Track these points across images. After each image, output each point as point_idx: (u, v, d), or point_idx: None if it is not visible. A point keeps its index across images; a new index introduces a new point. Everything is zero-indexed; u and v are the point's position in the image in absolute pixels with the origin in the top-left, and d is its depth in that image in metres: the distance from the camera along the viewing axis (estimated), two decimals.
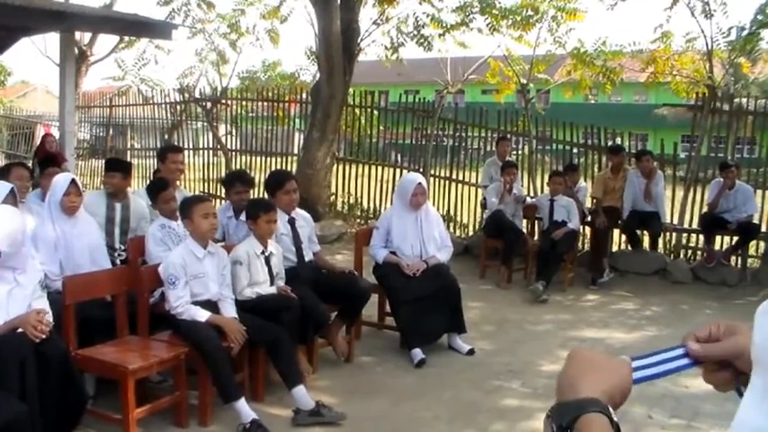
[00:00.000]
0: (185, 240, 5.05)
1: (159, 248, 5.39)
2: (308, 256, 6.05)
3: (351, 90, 12.65)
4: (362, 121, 13.54)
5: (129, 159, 16.46)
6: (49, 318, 4.00)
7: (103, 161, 9.88)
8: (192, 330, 4.73)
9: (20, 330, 3.84)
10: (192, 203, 5.02)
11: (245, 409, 4.60)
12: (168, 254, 5.16)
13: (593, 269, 9.30)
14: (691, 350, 1.15)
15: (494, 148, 11.11)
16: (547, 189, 9.54)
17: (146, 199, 6.12)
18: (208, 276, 4.96)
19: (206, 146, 16.05)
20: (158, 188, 5.86)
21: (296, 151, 13.89)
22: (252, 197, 6.53)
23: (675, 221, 10.43)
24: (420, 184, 6.54)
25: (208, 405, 4.75)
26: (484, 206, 10.03)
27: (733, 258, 9.57)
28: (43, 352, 3.84)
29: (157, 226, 5.55)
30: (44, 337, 3.84)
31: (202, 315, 4.79)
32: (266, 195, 6.21)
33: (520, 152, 12.60)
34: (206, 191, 14.35)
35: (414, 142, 12.95)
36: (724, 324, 1.19)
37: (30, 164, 11.41)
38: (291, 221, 5.99)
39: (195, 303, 4.85)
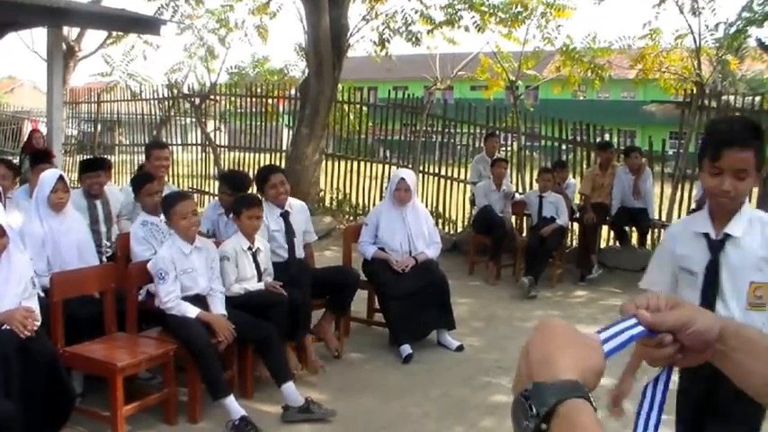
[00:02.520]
0: (172, 237, 5.04)
1: (142, 247, 5.36)
2: (299, 252, 6.05)
3: (340, 86, 12.62)
4: (351, 118, 13.53)
5: (117, 155, 16.46)
6: (38, 315, 3.98)
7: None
8: (182, 327, 4.72)
9: (5, 327, 3.82)
10: (170, 205, 5.00)
11: (234, 406, 4.59)
12: (151, 252, 5.19)
13: (582, 265, 9.32)
14: (643, 319, 1.16)
15: (482, 145, 11.13)
16: (535, 185, 9.56)
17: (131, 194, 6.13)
18: (196, 271, 4.95)
19: (194, 142, 16.00)
20: (142, 181, 5.86)
21: (284, 147, 13.86)
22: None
23: (664, 218, 10.47)
24: (403, 179, 6.52)
25: (197, 402, 4.74)
26: (473, 202, 10.04)
27: None
28: (30, 350, 3.81)
29: (139, 224, 5.51)
30: (28, 334, 3.81)
31: (192, 312, 4.78)
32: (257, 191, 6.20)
33: (508, 149, 12.62)
34: (194, 187, 14.32)
35: (402, 138, 12.95)
36: (664, 297, 1.20)
37: (17, 160, 11.36)
38: (285, 215, 5.98)
39: (185, 298, 4.85)
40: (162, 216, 5.49)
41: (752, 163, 2.57)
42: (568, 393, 0.92)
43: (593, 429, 0.90)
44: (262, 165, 13.10)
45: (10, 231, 4.08)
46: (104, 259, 5.86)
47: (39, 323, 3.96)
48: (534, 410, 0.92)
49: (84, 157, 15.04)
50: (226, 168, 13.30)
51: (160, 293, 4.82)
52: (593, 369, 1.00)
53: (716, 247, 2.78)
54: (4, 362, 3.70)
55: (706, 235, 2.80)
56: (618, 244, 10.13)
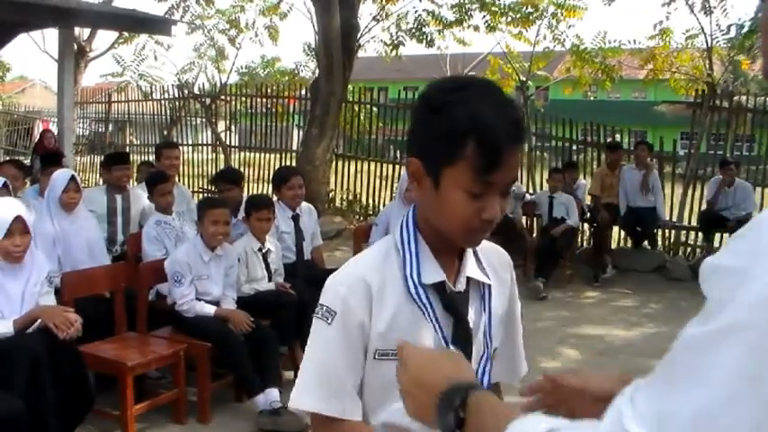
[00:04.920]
0: (194, 240, 5.04)
1: (154, 247, 5.40)
2: (307, 255, 6.05)
3: (350, 86, 12.63)
4: (361, 118, 13.53)
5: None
6: (80, 320, 3.94)
7: (103, 157, 9.93)
8: (206, 327, 4.73)
9: (33, 328, 3.81)
10: (205, 207, 5.02)
11: (263, 401, 4.60)
12: (163, 252, 5.22)
13: (596, 266, 9.29)
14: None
15: None
16: (546, 186, 9.54)
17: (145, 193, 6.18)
18: (211, 278, 4.94)
19: (205, 142, 16.04)
20: (156, 180, 5.88)
21: (295, 147, 13.88)
22: (243, 193, 6.56)
23: (674, 219, 10.43)
24: None
25: (206, 402, 4.74)
26: None
27: None
28: (57, 351, 3.80)
29: (152, 224, 5.55)
30: (72, 333, 3.81)
31: (209, 309, 4.80)
32: (272, 190, 6.22)
33: None
34: (204, 187, 14.34)
35: None
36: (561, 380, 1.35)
37: (28, 160, 11.40)
38: (295, 218, 5.99)
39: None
40: (173, 215, 5.59)
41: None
42: (468, 389, 1.14)
43: (501, 407, 1.13)
44: (272, 165, 13.22)
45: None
46: (118, 249, 5.91)
47: (80, 329, 3.93)
48: (454, 410, 1.12)
49: (97, 156, 15.11)
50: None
51: (175, 296, 4.83)
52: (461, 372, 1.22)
53: (456, 303, 1.58)
54: (34, 364, 3.69)
55: (437, 286, 1.55)
56: (628, 244, 10.10)
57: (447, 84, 1.49)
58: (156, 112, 16.55)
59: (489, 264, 1.67)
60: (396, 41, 13.26)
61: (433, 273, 1.55)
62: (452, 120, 1.39)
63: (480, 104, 1.39)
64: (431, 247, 1.56)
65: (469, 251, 1.63)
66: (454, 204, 1.46)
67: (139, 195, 6.37)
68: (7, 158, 10.60)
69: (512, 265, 1.79)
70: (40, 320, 3.82)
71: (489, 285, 1.64)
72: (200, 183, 14.73)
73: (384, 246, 1.63)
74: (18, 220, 3.89)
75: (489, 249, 1.72)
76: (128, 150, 16.85)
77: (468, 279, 1.61)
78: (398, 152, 13.91)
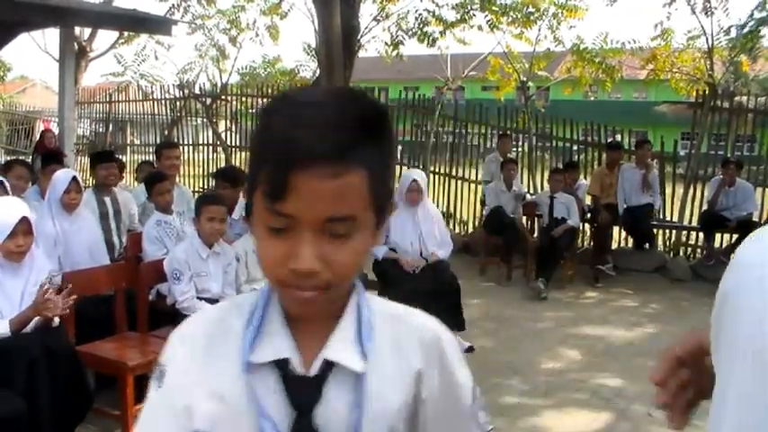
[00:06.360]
0: (192, 237, 5.05)
1: (154, 247, 5.39)
2: None
3: (350, 86, 12.61)
4: None
5: (128, 155, 16.51)
6: (56, 292, 3.95)
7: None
8: None
9: (30, 329, 3.82)
10: (202, 204, 5.01)
11: None
12: (163, 251, 5.23)
13: (596, 266, 9.28)
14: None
15: (493, 145, 11.13)
16: (547, 186, 9.54)
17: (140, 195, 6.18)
18: (210, 276, 4.93)
19: (206, 142, 16.03)
20: (154, 180, 5.89)
21: None
22: (240, 193, 6.55)
23: (675, 219, 10.42)
24: (414, 180, 6.52)
25: None
26: (483, 203, 10.03)
27: (733, 256, 9.54)
28: (53, 350, 3.81)
29: (153, 223, 5.55)
30: (67, 306, 3.82)
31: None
32: None
33: (520, 149, 12.60)
34: (205, 187, 14.34)
35: (413, 139, 12.94)
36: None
37: (29, 159, 11.40)
38: None
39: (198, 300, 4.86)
40: (174, 215, 5.60)
41: (360, 201, 1.04)
42: None
43: None
44: None
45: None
46: (119, 252, 5.91)
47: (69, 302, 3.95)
48: None
49: None
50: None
51: (175, 293, 4.82)
52: None
53: (306, 392, 1.10)
54: (31, 365, 3.69)
55: (280, 364, 1.11)
56: (629, 245, 10.10)
57: (278, 95, 1.16)
58: (156, 112, 16.54)
59: (394, 340, 1.17)
60: (396, 41, 13.25)
61: (274, 347, 1.11)
62: (257, 134, 1.08)
63: (294, 111, 1.03)
64: (288, 312, 1.15)
65: (350, 318, 1.14)
66: (258, 244, 1.12)
67: (128, 197, 6.37)
68: (10, 158, 10.59)
69: (443, 347, 1.22)
70: (36, 319, 3.82)
71: (355, 372, 1.10)
72: (201, 183, 14.74)
73: (242, 298, 1.26)
74: (23, 221, 3.90)
75: (410, 321, 1.24)
76: (128, 150, 16.96)
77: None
78: (399, 152, 13.91)
